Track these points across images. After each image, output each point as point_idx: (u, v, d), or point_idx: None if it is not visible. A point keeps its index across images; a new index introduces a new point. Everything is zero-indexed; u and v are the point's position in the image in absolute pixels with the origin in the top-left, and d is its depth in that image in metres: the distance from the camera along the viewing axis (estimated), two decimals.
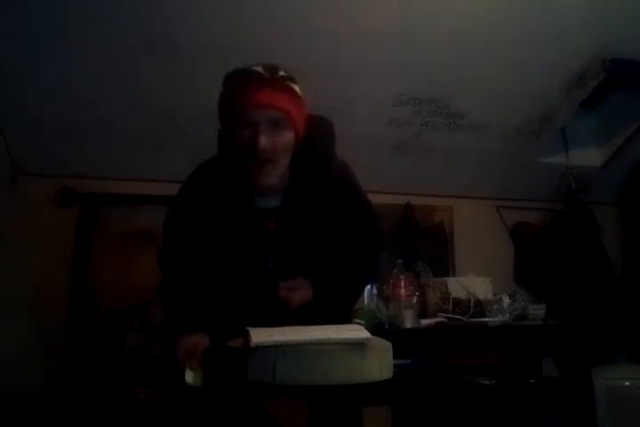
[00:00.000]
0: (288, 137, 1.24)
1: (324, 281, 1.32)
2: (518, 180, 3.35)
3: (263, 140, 1.19)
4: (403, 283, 2.79)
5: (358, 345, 1.07)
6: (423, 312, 2.88)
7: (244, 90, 1.20)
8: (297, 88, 1.26)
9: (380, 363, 1.09)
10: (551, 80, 2.77)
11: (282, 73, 1.23)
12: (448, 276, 3.18)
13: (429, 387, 2.58)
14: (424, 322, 2.71)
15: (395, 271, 2.85)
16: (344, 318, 1.41)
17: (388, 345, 1.16)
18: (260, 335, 1.05)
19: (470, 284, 2.85)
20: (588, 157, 3.42)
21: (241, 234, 1.32)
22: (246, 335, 1.07)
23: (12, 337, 2.65)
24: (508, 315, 2.79)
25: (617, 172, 3.45)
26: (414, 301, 2.74)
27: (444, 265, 3.33)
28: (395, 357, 1.16)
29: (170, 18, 2.22)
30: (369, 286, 2.87)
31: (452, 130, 2.99)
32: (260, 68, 1.21)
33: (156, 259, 1.41)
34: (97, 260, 2.90)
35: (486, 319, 2.69)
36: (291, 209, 1.33)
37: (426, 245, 3.32)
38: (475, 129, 3.00)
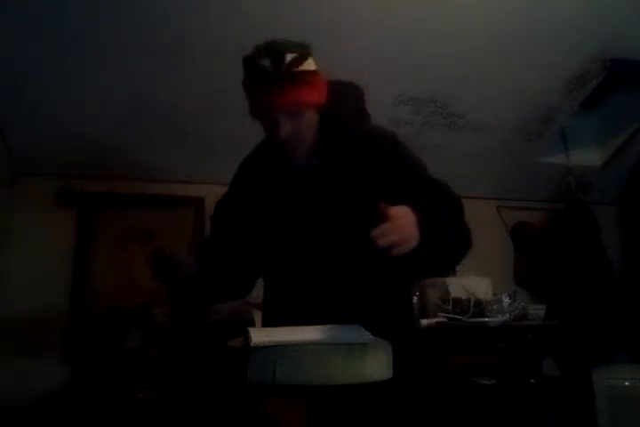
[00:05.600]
0: (309, 115, 1.28)
1: (432, 219, 1.16)
2: (518, 180, 3.35)
3: (283, 131, 1.24)
4: None
5: (358, 345, 1.07)
6: (423, 312, 2.88)
7: (255, 92, 1.24)
8: (310, 64, 1.25)
9: (380, 363, 1.09)
10: (551, 80, 2.77)
11: (289, 58, 1.21)
12: (448, 276, 3.17)
13: (429, 387, 2.57)
14: (424, 322, 2.71)
15: None
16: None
17: (388, 345, 1.16)
18: (260, 335, 1.05)
19: (470, 284, 2.85)
20: (588, 157, 3.41)
21: (279, 195, 1.35)
22: (246, 335, 1.07)
23: (13, 337, 2.65)
24: (507, 315, 2.79)
25: (617, 172, 3.45)
26: (414, 301, 2.74)
27: None
28: None
29: (170, 18, 2.22)
30: None
31: (451, 130, 2.98)
32: (267, 62, 1.21)
33: None
34: (97, 260, 2.90)
35: (486, 319, 2.69)
36: (322, 165, 1.34)
37: None
38: (475, 129, 3.00)
